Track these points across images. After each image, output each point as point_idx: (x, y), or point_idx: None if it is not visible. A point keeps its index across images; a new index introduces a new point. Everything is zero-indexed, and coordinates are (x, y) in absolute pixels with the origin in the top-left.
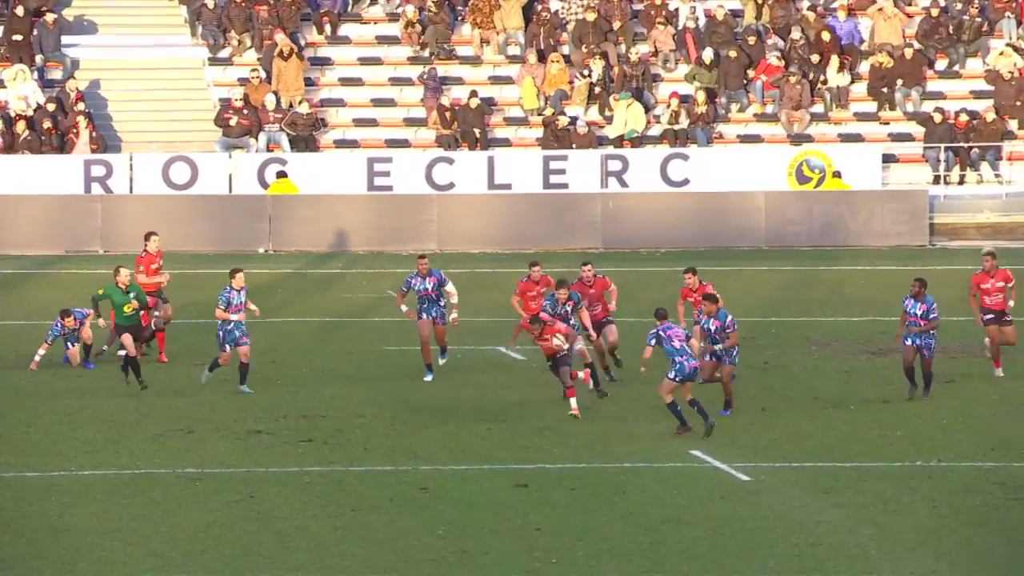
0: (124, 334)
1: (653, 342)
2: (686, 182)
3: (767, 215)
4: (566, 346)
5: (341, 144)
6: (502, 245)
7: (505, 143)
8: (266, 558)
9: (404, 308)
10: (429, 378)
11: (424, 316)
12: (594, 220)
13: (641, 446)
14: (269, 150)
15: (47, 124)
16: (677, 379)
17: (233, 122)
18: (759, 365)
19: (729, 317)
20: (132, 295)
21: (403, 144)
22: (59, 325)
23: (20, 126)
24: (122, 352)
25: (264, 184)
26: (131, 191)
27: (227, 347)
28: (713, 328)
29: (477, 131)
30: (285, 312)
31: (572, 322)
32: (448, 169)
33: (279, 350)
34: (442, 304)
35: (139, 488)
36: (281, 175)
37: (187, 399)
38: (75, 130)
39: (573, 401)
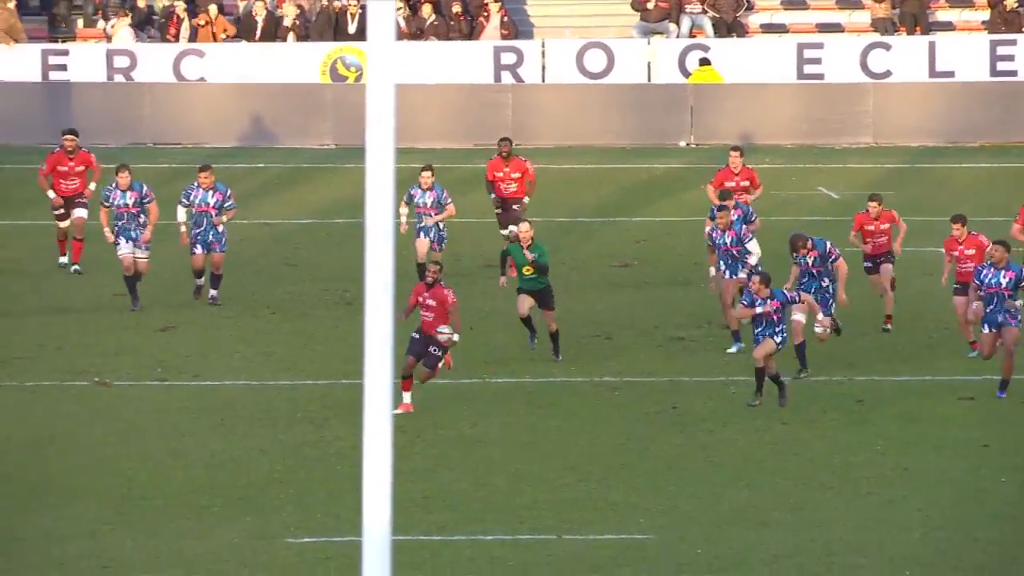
0: (521, 296)
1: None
2: None
3: None
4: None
5: (768, 29)
6: (943, 138)
7: (948, 27)
8: (691, 473)
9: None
10: (733, 350)
11: (726, 273)
12: None
13: None
14: (691, 35)
15: (455, 8)
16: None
17: (651, 5)
18: None
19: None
20: (535, 255)
21: (836, 28)
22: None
23: (426, 10)
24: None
25: (685, 72)
26: (543, 80)
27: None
28: (1005, 282)
29: (917, 14)
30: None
31: (825, 284)
32: (885, 56)
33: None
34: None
35: (555, 397)
36: (704, 62)
37: (605, 302)
38: (485, 14)
39: None
